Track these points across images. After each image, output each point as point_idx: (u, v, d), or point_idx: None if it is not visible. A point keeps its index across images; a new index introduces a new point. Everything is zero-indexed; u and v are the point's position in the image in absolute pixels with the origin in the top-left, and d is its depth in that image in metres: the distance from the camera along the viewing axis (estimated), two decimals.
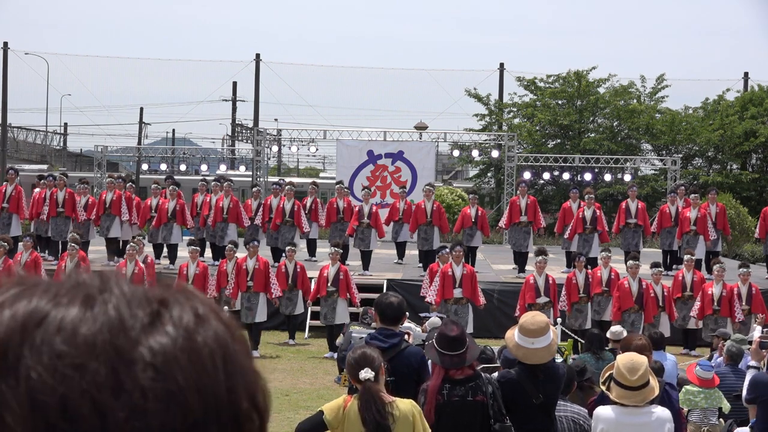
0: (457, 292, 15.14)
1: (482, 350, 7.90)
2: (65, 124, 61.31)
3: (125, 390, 0.63)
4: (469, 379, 5.32)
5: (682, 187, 19.91)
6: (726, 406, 9.37)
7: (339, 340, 13.50)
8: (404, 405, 4.85)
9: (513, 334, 5.59)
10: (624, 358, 5.56)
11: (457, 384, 5.30)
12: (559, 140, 36.34)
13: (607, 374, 5.73)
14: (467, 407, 5.27)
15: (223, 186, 19.17)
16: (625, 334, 10.29)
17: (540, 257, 15.49)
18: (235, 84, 49.95)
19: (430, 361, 6.00)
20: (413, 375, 5.84)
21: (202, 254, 18.21)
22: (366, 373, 4.68)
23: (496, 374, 7.22)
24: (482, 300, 15.52)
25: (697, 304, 15.68)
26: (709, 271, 16.63)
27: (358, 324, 13.61)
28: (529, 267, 17.71)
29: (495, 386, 5.35)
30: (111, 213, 18.69)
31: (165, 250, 19.03)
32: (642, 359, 5.59)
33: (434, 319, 11.53)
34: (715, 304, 15.52)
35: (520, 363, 5.57)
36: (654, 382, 5.54)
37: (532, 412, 5.48)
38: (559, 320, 14.69)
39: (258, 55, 41.76)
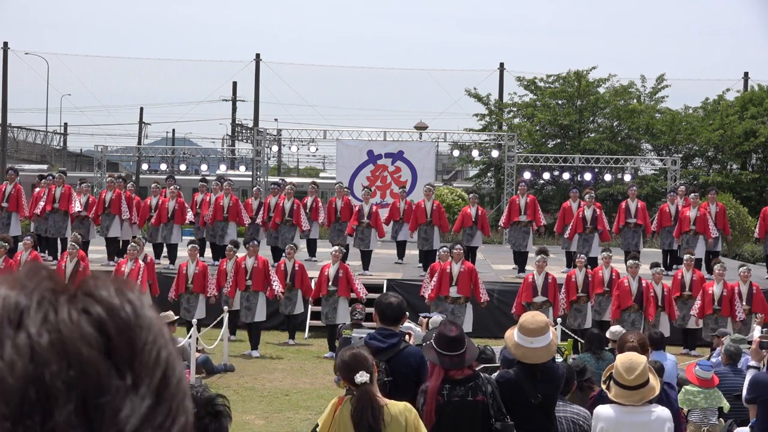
0: (453, 291, 15.14)
1: (482, 350, 7.90)
2: (65, 124, 61.39)
3: None
4: (469, 379, 5.32)
5: (683, 187, 19.92)
6: (726, 405, 9.37)
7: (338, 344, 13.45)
8: (396, 408, 4.80)
9: (512, 334, 5.59)
10: (623, 358, 5.57)
11: (457, 384, 5.30)
12: (559, 140, 36.36)
13: (607, 374, 5.73)
14: (467, 407, 5.27)
15: (222, 185, 19.17)
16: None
17: (540, 256, 15.49)
18: (235, 84, 50.01)
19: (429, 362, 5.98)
20: (412, 375, 5.83)
21: (201, 254, 18.21)
22: (362, 377, 4.64)
23: (495, 374, 7.23)
24: (484, 297, 15.50)
25: (698, 303, 15.69)
26: (709, 270, 16.63)
27: (349, 324, 13.60)
28: (529, 267, 17.71)
29: (494, 386, 5.35)
30: (110, 212, 18.70)
31: (165, 249, 19.04)
32: (641, 359, 5.59)
33: (436, 318, 11.51)
34: (716, 303, 15.52)
35: (518, 362, 5.57)
36: (654, 382, 5.54)
37: (531, 411, 5.48)
38: (559, 320, 14.69)
39: (258, 55, 41.78)
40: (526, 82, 37.09)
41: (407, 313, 6.22)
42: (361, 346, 5.06)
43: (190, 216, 18.97)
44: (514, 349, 5.54)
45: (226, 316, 14.55)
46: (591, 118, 36.57)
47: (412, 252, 20.03)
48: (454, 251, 15.28)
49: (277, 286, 15.54)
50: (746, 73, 39.68)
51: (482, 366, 6.48)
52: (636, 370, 5.42)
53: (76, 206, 18.62)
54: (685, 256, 16.45)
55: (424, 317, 12.37)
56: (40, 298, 0.82)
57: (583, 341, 12.55)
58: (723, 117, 34.78)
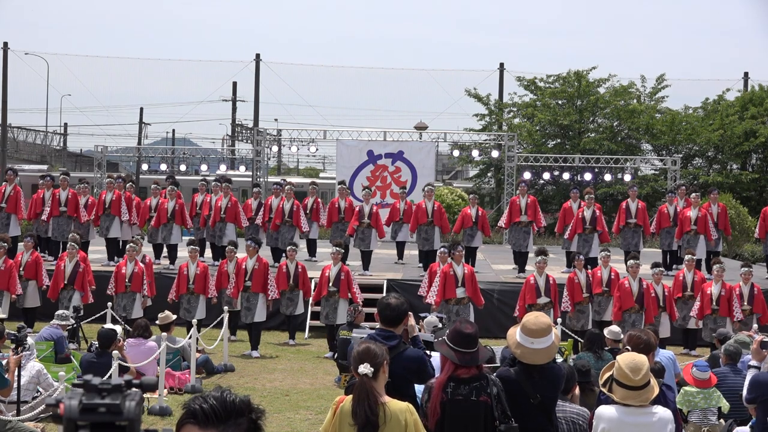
0: (460, 292, 15.14)
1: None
2: (65, 124, 61.52)
3: None
4: (474, 378, 5.31)
5: (683, 187, 19.91)
6: (725, 405, 9.37)
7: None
8: (397, 406, 4.82)
9: (515, 332, 5.59)
10: (626, 358, 5.51)
11: (462, 383, 5.29)
12: (559, 140, 36.36)
13: (606, 375, 5.69)
14: (470, 407, 5.26)
15: (222, 186, 19.17)
16: (622, 335, 10.26)
17: (540, 257, 15.48)
18: (235, 84, 50.07)
19: (437, 358, 5.97)
20: (412, 377, 5.82)
21: (201, 254, 18.21)
22: (365, 368, 4.71)
23: (495, 372, 7.21)
24: (482, 299, 15.59)
25: (697, 303, 15.68)
26: (710, 270, 16.63)
27: (346, 325, 13.61)
28: (529, 267, 17.71)
29: (500, 388, 5.34)
30: (110, 213, 18.68)
31: (165, 250, 19.04)
32: (642, 358, 5.57)
33: (431, 318, 11.49)
34: (714, 303, 15.52)
35: (519, 362, 5.56)
36: (653, 381, 5.53)
37: (530, 411, 5.47)
38: (559, 320, 14.70)
39: (258, 55, 41.82)
40: (526, 82, 37.11)
41: (410, 313, 6.17)
42: (377, 344, 5.06)
43: (190, 222, 19.00)
44: (514, 348, 5.54)
45: (226, 317, 14.55)
46: (591, 118, 36.57)
47: (412, 252, 20.03)
48: (456, 253, 15.26)
49: (272, 293, 15.56)
50: (746, 73, 39.75)
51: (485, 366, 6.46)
52: (642, 370, 5.40)
53: (84, 216, 18.60)
54: (686, 257, 16.44)
55: (422, 318, 12.38)
56: None
57: (582, 341, 12.55)
58: (723, 117, 34.78)
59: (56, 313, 13.37)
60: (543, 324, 5.49)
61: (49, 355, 12.04)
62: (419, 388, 5.90)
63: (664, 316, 15.38)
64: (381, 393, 4.82)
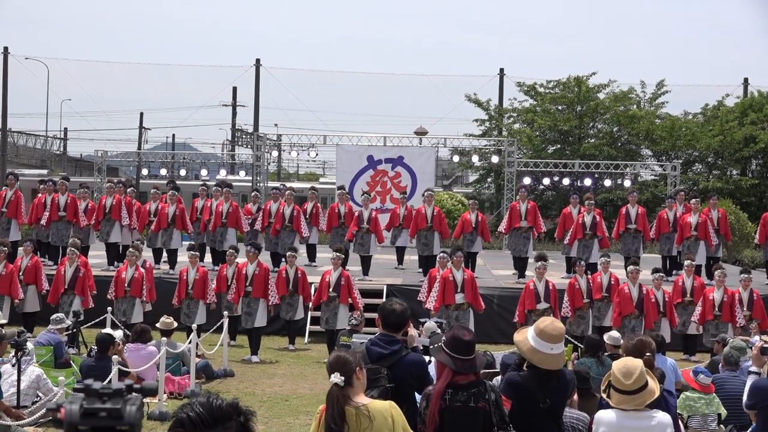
0: (459, 297, 15.14)
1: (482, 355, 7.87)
2: (65, 128, 61.58)
3: None
4: (472, 385, 5.29)
5: (682, 193, 19.91)
6: (724, 412, 9.40)
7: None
8: (380, 405, 4.89)
9: (526, 337, 5.52)
10: (619, 364, 5.56)
11: (460, 389, 5.28)
12: (559, 146, 36.39)
13: (606, 381, 5.72)
14: (469, 413, 5.25)
15: (223, 191, 19.17)
16: (622, 340, 10.26)
17: (540, 263, 15.47)
18: (235, 89, 50.08)
19: (433, 365, 5.97)
20: (414, 382, 5.81)
21: (202, 259, 18.21)
22: (335, 378, 4.82)
23: (498, 378, 7.20)
24: (482, 305, 15.59)
25: (698, 309, 15.68)
26: (710, 276, 16.62)
27: (347, 331, 13.61)
28: (529, 272, 17.70)
29: (498, 394, 5.33)
30: (111, 218, 18.69)
31: (165, 255, 19.03)
32: (636, 363, 5.58)
33: (430, 324, 11.49)
34: (716, 309, 15.53)
35: (530, 367, 5.52)
36: (653, 384, 5.54)
37: (538, 416, 5.46)
38: None
39: (258, 60, 41.86)
40: (526, 88, 37.15)
41: (410, 321, 6.18)
42: (349, 351, 5.10)
43: (191, 227, 19.00)
44: (531, 354, 5.46)
45: (225, 321, 14.55)
46: (591, 124, 36.60)
47: (412, 257, 20.02)
48: (455, 258, 15.27)
49: (273, 298, 15.56)
50: (746, 79, 39.81)
51: (483, 371, 6.45)
52: (633, 375, 5.42)
53: (83, 220, 18.59)
54: (686, 262, 16.45)
55: (422, 323, 12.37)
56: None
57: (582, 347, 12.55)
58: (723, 123, 34.82)
59: (51, 317, 13.33)
60: (561, 329, 5.51)
61: (48, 360, 12.03)
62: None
63: (664, 322, 15.38)
64: (357, 399, 4.85)
